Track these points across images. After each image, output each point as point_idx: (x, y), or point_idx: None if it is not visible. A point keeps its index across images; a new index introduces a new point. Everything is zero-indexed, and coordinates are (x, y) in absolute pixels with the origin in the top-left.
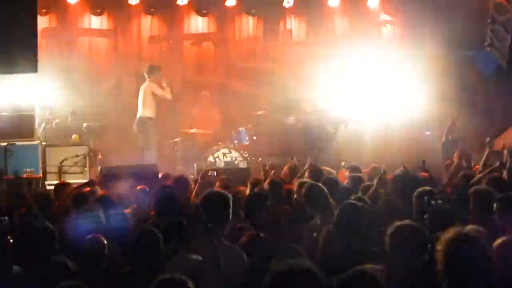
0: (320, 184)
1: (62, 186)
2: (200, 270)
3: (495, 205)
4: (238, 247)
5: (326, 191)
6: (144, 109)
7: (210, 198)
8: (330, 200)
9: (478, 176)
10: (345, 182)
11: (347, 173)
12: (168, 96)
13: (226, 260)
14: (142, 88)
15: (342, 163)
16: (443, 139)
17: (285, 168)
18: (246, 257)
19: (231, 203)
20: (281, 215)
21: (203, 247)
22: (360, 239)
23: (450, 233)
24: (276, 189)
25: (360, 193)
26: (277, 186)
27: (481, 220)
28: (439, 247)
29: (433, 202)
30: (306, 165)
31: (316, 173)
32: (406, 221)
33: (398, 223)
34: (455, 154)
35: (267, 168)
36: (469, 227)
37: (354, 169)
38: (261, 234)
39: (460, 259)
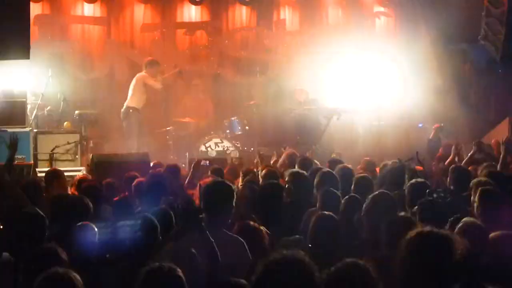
0: (333, 172)
1: (53, 173)
2: (191, 259)
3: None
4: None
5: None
6: (130, 99)
7: (215, 188)
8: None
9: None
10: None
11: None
12: (158, 86)
13: (227, 251)
14: (135, 77)
15: (333, 155)
16: (431, 137)
17: (284, 156)
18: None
19: (235, 194)
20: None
21: (196, 238)
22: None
23: (416, 229)
24: (272, 178)
25: (353, 186)
26: (272, 175)
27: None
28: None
29: (435, 195)
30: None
31: (305, 163)
32: (402, 214)
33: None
34: (452, 147)
35: (261, 154)
36: (466, 219)
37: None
38: (251, 223)
39: (420, 255)
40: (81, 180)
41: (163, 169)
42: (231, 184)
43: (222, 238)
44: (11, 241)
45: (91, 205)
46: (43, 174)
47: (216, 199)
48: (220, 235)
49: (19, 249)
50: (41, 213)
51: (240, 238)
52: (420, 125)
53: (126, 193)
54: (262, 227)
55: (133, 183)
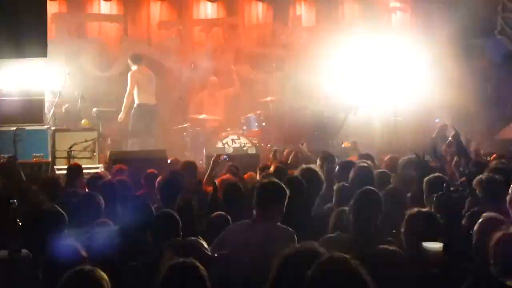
0: (314, 168)
1: (77, 168)
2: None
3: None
4: None
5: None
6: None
7: (268, 188)
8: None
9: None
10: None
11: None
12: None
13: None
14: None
15: (346, 144)
16: (434, 135)
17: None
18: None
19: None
20: None
21: None
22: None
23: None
24: (281, 175)
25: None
26: (282, 172)
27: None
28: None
29: (452, 189)
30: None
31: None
32: (423, 209)
33: (415, 209)
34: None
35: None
36: (487, 215)
37: (365, 157)
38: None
39: None
40: (97, 177)
41: (180, 166)
42: (283, 185)
43: (272, 230)
44: (30, 238)
45: (103, 202)
46: (61, 172)
47: (269, 198)
48: (271, 227)
49: (38, 246)
50: (60, 210)
51: (290, 229)
52: (437, 119)
53: (142, 191)
54: None
55: (157, 180)
